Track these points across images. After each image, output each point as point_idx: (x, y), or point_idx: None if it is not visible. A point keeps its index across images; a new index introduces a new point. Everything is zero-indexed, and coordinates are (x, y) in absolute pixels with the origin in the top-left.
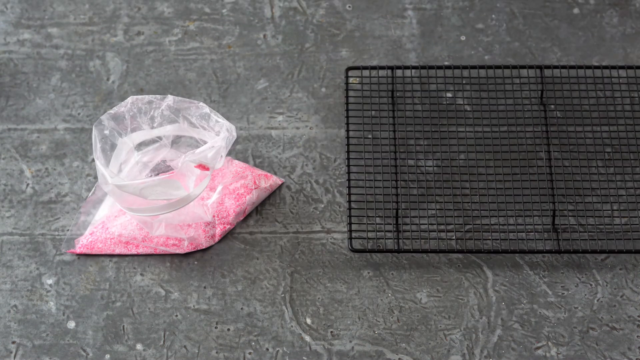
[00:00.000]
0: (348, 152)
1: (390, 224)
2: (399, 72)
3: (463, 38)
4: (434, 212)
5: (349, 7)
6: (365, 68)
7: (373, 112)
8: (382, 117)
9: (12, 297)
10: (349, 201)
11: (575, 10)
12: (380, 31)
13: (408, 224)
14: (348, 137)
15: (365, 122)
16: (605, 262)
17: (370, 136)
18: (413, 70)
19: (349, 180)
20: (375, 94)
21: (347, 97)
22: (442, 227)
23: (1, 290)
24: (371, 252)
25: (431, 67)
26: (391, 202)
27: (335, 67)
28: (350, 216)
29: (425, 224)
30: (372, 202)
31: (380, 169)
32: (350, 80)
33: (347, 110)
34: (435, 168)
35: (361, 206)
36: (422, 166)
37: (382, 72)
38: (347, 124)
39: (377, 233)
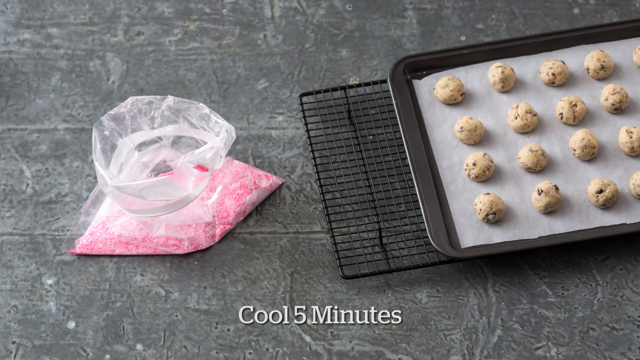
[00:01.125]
0: (320, 185)
1: (377, 245)
2: (360, 90)
3: (463, 38)
4: (416, 226)
5: (349, 7)
6: (318, 92)
7: (335, 136)
8: (346, 138)
9: (12, 297)
10: (332, 235)
11: (576, 10)
12: (380, 31)
13: (394, 242)
14: (317, 167)
15: (330, 147)
16: (606, 262)
17: (339, 160)
18: (369, 87)
19: (328, 215)
20: (334, 117)
21: (306, 124)
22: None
23: (1, 290)
24: (363, 276)
25: (375, 83)
26: (373, 223)
27: (335, 67)
28: (335, 244)
29: (411, 239)
30: (355, 225)
31: (355, 192)
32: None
33: (309, 137)
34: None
35: (345, 232)
36: (395, 182)
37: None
38: (312, 151)
39: (366, 256)
